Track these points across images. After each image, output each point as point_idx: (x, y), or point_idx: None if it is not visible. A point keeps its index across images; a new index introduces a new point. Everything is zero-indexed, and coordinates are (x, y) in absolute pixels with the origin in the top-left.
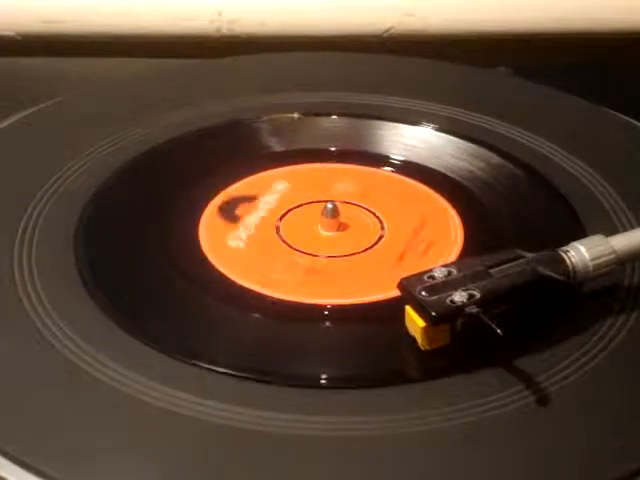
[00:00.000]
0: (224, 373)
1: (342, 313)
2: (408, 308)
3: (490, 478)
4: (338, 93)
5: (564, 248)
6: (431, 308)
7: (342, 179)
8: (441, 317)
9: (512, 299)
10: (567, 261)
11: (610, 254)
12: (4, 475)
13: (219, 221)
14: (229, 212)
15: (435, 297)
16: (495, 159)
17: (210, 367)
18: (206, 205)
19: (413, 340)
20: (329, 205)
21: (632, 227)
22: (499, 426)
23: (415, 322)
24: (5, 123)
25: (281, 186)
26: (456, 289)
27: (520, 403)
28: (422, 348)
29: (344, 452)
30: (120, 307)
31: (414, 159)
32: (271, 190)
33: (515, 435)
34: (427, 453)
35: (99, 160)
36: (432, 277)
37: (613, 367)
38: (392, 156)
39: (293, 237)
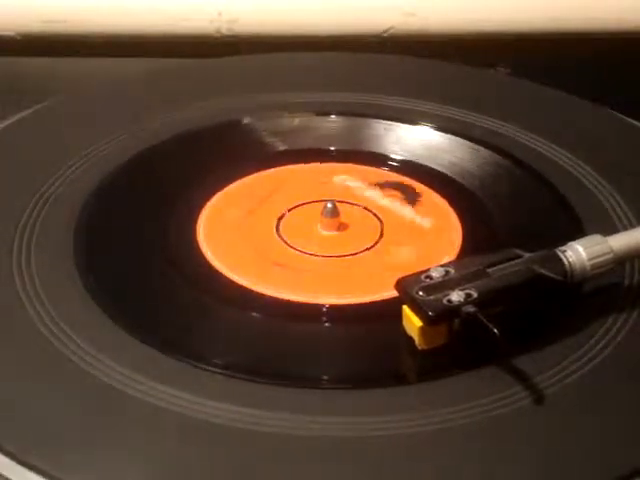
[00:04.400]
0: (224, 373)
1: (340, 313)
2: (405, 308)
3: (489, 478)
4: (338, 93)
5: (562, 248)
6: (428, 308)
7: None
8: (438, 317)
9: (509, 299)
10: (564, 261)
11: (608, 254)
12: (5, 473)
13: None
14: None
15: (432, 297)
16: (495, 159)
17: (210, 367)
18: (205, 205)
19: (410, 340)
20: (329, 205)
21: (632, 227)
22: (498, 426)
23: (412, 322)
24: (5, 123)
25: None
26: (453, 289)
27: (518, 404)
28: (419, 348)
29: (343, 452)
30: (120, 307)
31: (413, 159)
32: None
33: (514, 435)
34: (425, 453)
35: (99, 160)
36: (429, 277)
37: (613, 367)
38: (392, 156)
39: (293, 236)
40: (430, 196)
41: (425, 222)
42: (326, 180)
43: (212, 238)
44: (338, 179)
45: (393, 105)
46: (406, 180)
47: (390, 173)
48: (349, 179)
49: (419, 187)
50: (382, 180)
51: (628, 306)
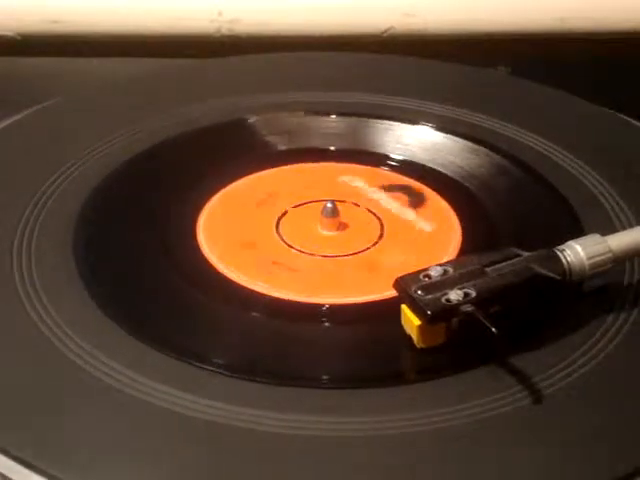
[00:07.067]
0: (223, 373)
1: (340, 313)
2: (404, 307)
3: (489, 478)
4: (338, 93)
5: (560, 247)
6: (427, 307)
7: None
8: (436, 316)
9: (508, 298)
10: (563, 260)
11: (607, 253)
12: (6, 474)
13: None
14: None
15: (431, 296)
16: (495, 159)
17: (209, 367)
18: (206, 204)
19: (409, 339)
20: (328, 205)
21: (631, 227)
22: (496, 426)
23: (411, 321)
24: (5, 123)
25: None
26: (452, 288)
27: (518, 403)
28: (418, 347)
29: (342, 452)
30: (120, 307)
31: (413, 159)
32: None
33: (513, 435)
34: (424, 452)
35: (99, 160)
36: (428, 276)
37: (613, 367)
38: (392, 155)
39: (293, 236)
40: (430, 196)
41: (425, 222)
42: (326, 180)
43: (212, 238)
44: (338, 179)
45: (393, 105)
46: (409, 182)
47: (391, 174)
48: (350, 179)
49: (423, 190)
50: (386, 183)
51: (628, 306)
